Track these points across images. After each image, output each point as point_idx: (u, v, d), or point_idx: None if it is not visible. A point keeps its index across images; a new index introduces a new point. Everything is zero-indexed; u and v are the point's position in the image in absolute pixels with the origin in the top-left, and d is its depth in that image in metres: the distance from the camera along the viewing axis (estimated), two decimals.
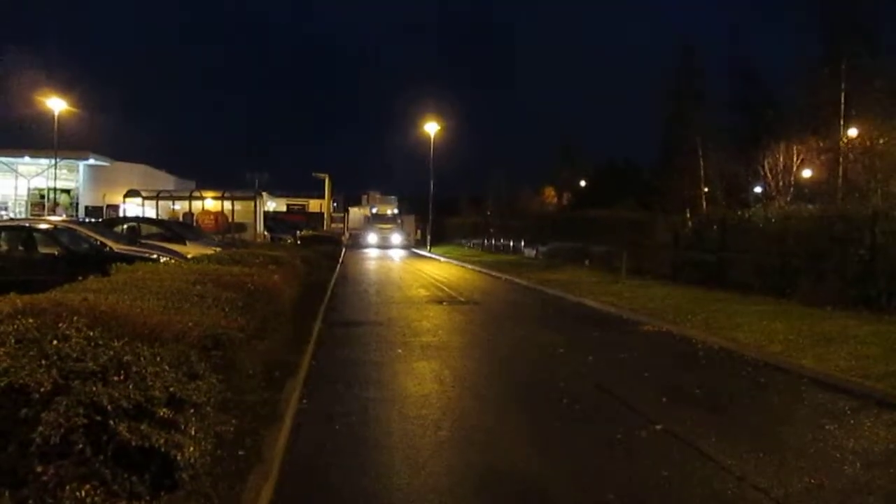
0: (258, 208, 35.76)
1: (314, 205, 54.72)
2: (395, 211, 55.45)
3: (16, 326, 3.48)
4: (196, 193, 36.41)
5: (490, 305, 14.98)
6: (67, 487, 2.86)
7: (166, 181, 44.77)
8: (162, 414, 3.24)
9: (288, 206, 55.73)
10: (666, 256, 20.56)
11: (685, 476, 4.61)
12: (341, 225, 55.30)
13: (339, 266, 25.26)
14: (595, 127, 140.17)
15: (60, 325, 3.58)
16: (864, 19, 31.52)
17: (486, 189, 64.70)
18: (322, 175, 51.28)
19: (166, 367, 3.55)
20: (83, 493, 2.86)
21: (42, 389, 2.98)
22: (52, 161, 35.82)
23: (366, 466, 4.73)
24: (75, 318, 3.77)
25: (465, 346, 9.80)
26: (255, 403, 5.43)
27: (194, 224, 30.93)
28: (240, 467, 4.17)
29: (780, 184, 34.79)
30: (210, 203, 35.18)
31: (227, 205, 34.78)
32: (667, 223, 22.26)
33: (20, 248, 12.41)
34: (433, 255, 38.43)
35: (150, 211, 34.39)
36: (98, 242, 13.27)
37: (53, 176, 36.40)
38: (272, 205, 51.61)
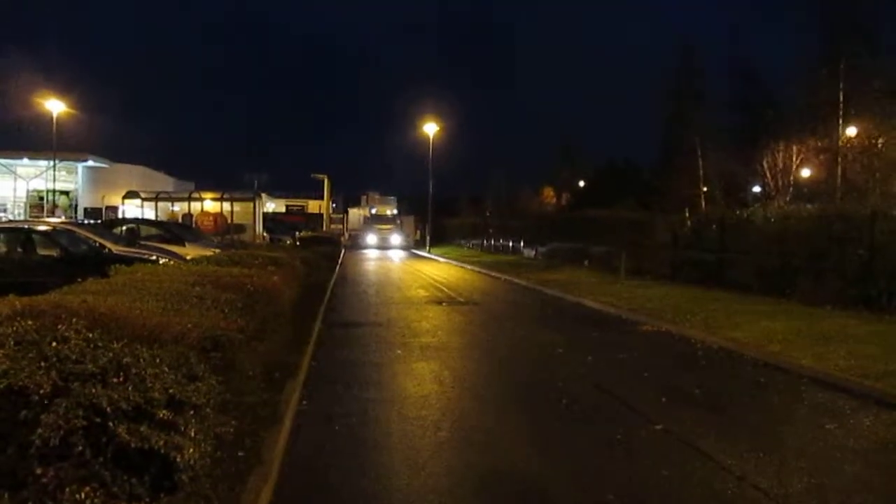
0: (257, 209, 35.76)
1: (313, 206, 54.76)
2: (395, 211, 55.48)
3: (15, 328, 3.48)
4: (195, 195, 36.41)
5: (489, 306, 14.98)
6: (67, 489, 2.85)
7: (165, 182, 44.71)
8: (161, 416, 3.24)
9: (287, 207, 55.78)
10: (665, 256, 20.57)
11: (685, 476, 4.61)
12: (340, 226, 55.29)
13: (338, 267, 25.26)
14: (595, 127, 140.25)
15: (60, 326, 3.58)
16: (864, 19, 31.54)
17: (485, 189, 64.75)
18: (321, 176, 51.34)
19: (166, 369, 3.55)
20: (83, 495, 2.86)
21: (41, 391, 2.98)
22: (51, 163, 35.78)
23: (365, 467, 4.73)
24: (74, 319, 3.77)
25: (464, 347, 9.80)
26: (255, 405, 5.42)
27: (193, 225, 30.91)
28: (239, 469, 4.17)
29: (780, 183, 34.82)
30: (209, 204, 35.18)
31: (226, 206, 34.77)
32: (666, 223, 22.26)
33: (19, 249, 12.39)
34: (432, 256, 38.43)
35: (149, 212, 34.39)
36: (97, 244, 13.26)
37: (52, 177, 36.35)
38: (271, 206, 51.61)
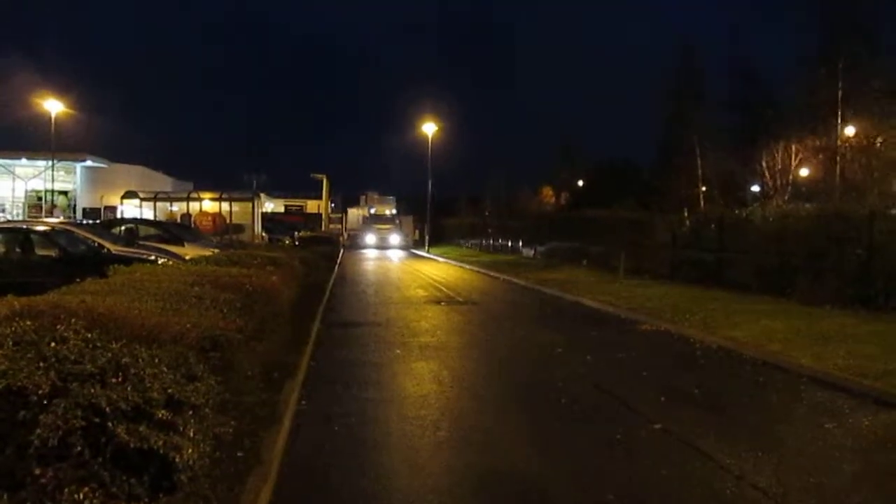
0: (256, 209, 35.71)
1: (312, 205, 54.74)
2: (394, 211, 55.40)
3: (13, 329, 3.47)
4: (194, 195, 36.35)
5: (488, 305, 14.98)
6: (66, 490, 2.85)
7: (164, 182, 44.66)
8: (160, 416, 3.23)
9: (286, 206, 55.75)
10: (664, 256, 20.57)
11: (684, 475, 4.62)
12: (339, 226, 55.22)
13: (337, 267, 25.25)
14: (595, 127, 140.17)
15: (58, 327, 3.57)
16: (863, 19, 31.56)
17: (484, 189, 64.63)
18: (320, 176, 51.28)
19: (164, 369, 3.54)
20: (81, 496, 2.85)
21: (40, 392, 2.97)
22: (50, 163, 35.74)
23: (365, 467, 4.73)
24: (73, 320, 3.76)
25: (463, 347, 9.80)
26: (254, 405, 5.42)
27: (192, 225, 30.86)
28: (238, 469, 4.17)
29: (778, 183, 34.83)
30: (208, 204, 35.14)
31: (225, 206, 34.72)
32: (665, 223, 22.25)
33: (17, 249, 12.38)
34: (431, 256, 38.43)
35: (147, 212, 34.35)
36: (96, 244, 13.25)
37: (51, 178, 36.31)
38: (270, 206, 51.57)
